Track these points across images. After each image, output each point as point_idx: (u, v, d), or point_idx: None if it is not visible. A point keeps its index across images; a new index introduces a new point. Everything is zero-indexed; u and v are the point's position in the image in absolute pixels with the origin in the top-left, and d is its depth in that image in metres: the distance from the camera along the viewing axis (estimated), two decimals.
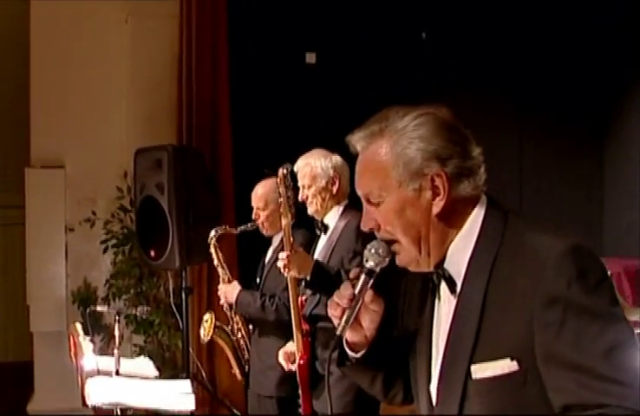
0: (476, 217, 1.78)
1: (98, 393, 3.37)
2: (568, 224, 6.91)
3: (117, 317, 3.93)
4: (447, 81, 6.87)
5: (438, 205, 1.73)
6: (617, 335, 1.58)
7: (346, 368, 1.92)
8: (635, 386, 1.54)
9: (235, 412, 5.74)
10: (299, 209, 3.86)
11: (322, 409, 3.70)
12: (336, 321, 1.79)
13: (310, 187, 3.80)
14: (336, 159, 3.81)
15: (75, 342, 3.98)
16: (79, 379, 3.64)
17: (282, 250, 4.20)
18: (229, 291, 4.29)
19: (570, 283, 1.58)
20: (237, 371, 4.55)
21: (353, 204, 3.75)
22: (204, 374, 5.84)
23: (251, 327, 4.49)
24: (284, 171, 3.63)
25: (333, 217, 3.80)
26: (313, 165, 3.80)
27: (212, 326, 4.51)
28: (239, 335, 4.52)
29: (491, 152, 6.10)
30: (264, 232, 4.33)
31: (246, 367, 4.54)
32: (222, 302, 4.40)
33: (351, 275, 1.83)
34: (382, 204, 1.76)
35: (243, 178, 5.77)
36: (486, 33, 6.74)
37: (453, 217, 1.76)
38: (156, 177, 5.28)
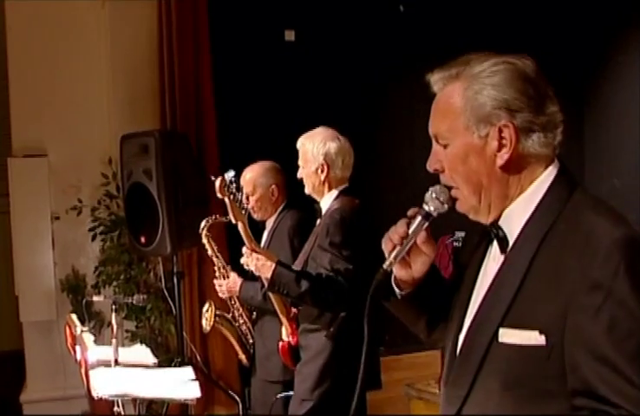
0: (543, 181, 1.77)
1: (104, 384, 3.37)
2: None
3: (114, 307, 3.91)
4: (426, 53, 6.84)
5: (502, 158, 1.73)
6: None
7: (389, 303, 1.98)
8: None
9: (230, 393, 5.77)
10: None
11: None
12: (386, 254, 1.84)
13: (303, 168, 3.75)
14: (332, 145, 3.70)
15: (71, 333, 3.96)
16: (82, 371, 3.63)
17: (276, 231, 4.22)
18: (232, 286, 4.25)
19: (617, 273, 1.56)
20: (243, 357, 4.56)
21: (350, 190, 3.73)
22: (198, 358, 5.86)
23: (254, 313, 4.49)
24: (220, 181, 3.60)
25: (326, 202, 3.74)
26: (306, 149, 3.72)
27: (213, 315, 4.50)
28: (241, 321, 4.52)
29: None
30: (255, 217, 4.30)
31: (252, 350, 4.55)
32: (223, 296, 4.38)
33: (409, 213, 1.85)
34: (449, 147, 1.78)
35: (229, 161, 5.74)
36: (463, 4, 6.72)
37: (518, 172, 1.76)
38: (143, 163, 5.23)
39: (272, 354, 4.09)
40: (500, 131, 1.72)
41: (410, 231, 1.81)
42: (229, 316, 4.55)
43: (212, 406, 6.00)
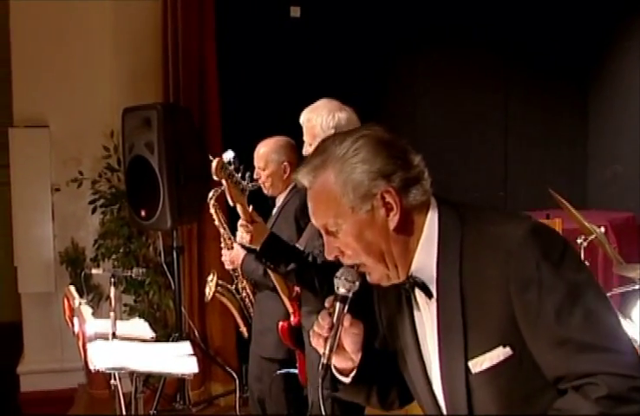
0: (431, 221, 1.84)
1: (101, 357, 3.36)
2: (552, 176, 6.95)
3: (113, 280, 3.89)
4: (431, 36, 6.83)
5: (393, 220, 1.79)
6: (589, 303, 1.69)
7: (340, 393, 1.99)
8: (617, 348, 1.67)
9: (228, 369, 5.78)
10: None
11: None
12: (320, 351, 1.85)
13: (310, 145, 3.55)
14: (341, 116, 3.51)
15: (69, 306, 3.95)
16: (80, 344, 3.62)
17: (284, 209, 4.16)
18: (234, 257, 4.19)
19: (538, 265, 1.69)
20: (244, 329, 4.54)
21: None
22: (196, 333, 5.86)
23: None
24: (216, 162, 3.50)
25: None
26: (314, 123, 3.51)
27: (215, 285, 4.49)
28: (244, 294, 4.50)
29: (476, 107, 6.09)
30: (266, 192, 4.22)
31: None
32: (227, 267, 4.33)
33: (326, 304, 1.88)
34: (341, 232, 1.81)
35: (231, 136, 5.72)
36: None
37: (409, 226, 1.82)
38: (145, 136, 5.20)
39: (268, 331, 4.05)
40: (383, 197, 1.77)
41: (335, 320, 1.84)
42: (232, 288, 4.54)
43: (209, 382, 6.01)
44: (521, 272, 1.69)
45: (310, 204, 1.86)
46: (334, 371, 1.96)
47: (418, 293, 1.87)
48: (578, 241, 4.45)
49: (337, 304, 1.85)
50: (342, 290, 1.85)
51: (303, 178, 1.83)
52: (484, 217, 1.83)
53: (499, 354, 1.73)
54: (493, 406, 1.78)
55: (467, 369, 1.78)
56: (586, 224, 4.43)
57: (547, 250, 1.71)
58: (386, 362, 2.01)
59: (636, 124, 6.55)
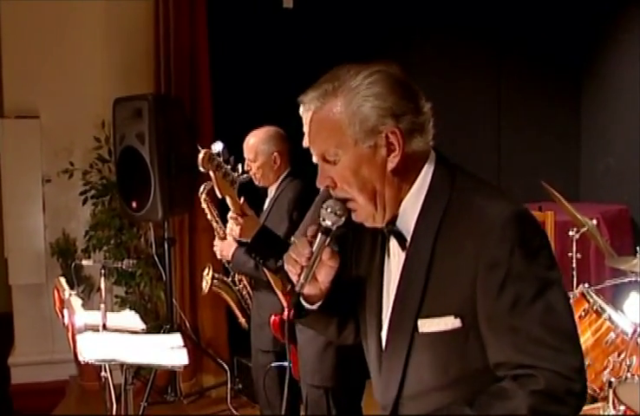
0: (426, 173, 1.85)
1: (90, 349, 3.34)
2: (545, 169, 6.95)
3: (103, 271, 3.87)
4: (424, 25, 6.81)
5: (393, 161, 1.79)
6: (551, 300, 1.70)
7: (302, 320, 2.00)
8: (567, 349, 1.69)
9: (219, 361, 5.77)
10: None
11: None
12: (293, 278, 1.87)
13: None
14: None
15: (59, 297, 3.93)
16: (69, 335, 3.61)
17: (276, 201, 4.13)
18: (225, 248, 4.16)
19: (512, 250, 1.68)
20: (242, 320, 4.53)
21: None
22: (187, 325, 5.84)
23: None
24: (203, 153, 3.41)
25: None
26: None
27: (211, 278, 4.47)
28: (241, 285, 4.49)
29: (469, 98, 6.06)
30: (257, 183, 4.19)
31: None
32: (218, 256, 4.30)
33: (309, 232, 1.87)
34: (339, 163, 1.81)
35: (223, 127, 5.70)
36: None
37: (406, 172, 1.82)
38: (136, 126, 5.18)
39: (266, 324, 4.02)
40: (387, 137, 1.77)
41: (314, 250, 1.84)
42: (229, 280, 4.53)
43: (201, 374, 6.00)
44: (493, 252, 1.69)
45: (311, 129, 1.86)
46: (301, 298, 1.96)
47: (393, 241, 1.89)
48: (570, 233, 4.45)
49: (320, 236, 1.84)
50: (327, 223, 1.84)
51: (311, 101, 1.82)
52: (476, 187, 1.83)
53: (449, 322, 1.75)
54: (426, 369, 1.81)
55: (415, 326, 1.79)
56: (578, 216, 4.42)
57: (526, 238, 1.71)
58: (350, 298, 2.03)
59: (629, 117, 6.55)
